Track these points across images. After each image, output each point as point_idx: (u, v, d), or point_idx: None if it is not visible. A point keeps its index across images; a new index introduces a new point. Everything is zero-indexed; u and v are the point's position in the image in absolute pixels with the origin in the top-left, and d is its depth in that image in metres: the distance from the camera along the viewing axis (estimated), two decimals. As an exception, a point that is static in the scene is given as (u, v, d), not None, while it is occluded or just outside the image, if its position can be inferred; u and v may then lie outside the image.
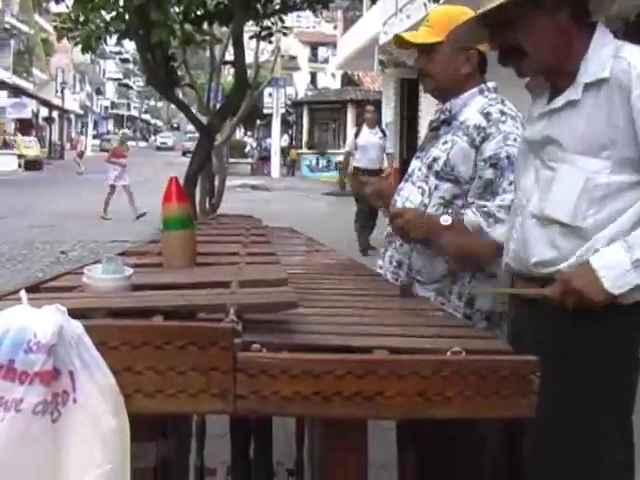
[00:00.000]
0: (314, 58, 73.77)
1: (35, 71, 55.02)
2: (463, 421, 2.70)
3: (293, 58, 67.34)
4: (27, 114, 51.10)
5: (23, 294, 1.65)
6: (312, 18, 75.26)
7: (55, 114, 61.00)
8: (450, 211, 2.93)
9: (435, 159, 3.01)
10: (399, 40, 3.21)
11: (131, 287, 1.94)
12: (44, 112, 58.28)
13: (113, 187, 19.60)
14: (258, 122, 58.24)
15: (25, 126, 52.01)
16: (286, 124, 48.97)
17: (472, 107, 3.01)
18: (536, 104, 2.47)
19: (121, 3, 6.01)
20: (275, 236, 3.78)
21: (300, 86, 65.01)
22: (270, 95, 40.84)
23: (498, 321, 2.88)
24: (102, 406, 1.55)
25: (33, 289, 1.94)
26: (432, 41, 3.02)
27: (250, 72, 15.79)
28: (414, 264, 3.00)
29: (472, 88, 3.05)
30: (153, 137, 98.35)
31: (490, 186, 2.86)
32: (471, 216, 2.86)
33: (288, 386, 1.58)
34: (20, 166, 39.45)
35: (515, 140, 2.81)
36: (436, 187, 2.97)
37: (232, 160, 38.59)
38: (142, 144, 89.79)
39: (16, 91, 49.87)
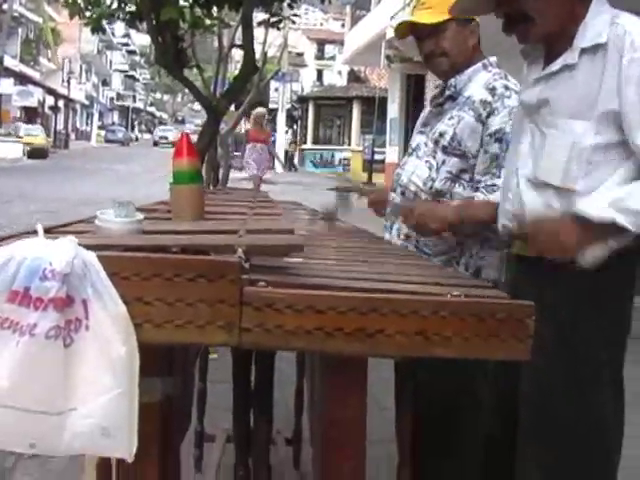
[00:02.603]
0: (321, 55, 73.81)
1: (42, 60, 55.15)
2: (461, 382, 2.79)
3: (300, 55, 67.40)
4: (33, 102, 51.24)
5: (39, 227, 1.71)
6: (320, 15, 75.38)
7: (61, 103, 61.12)
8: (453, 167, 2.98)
9: (442, 134, 3.06)
10: (402, 28, 3.21)
11: (142, 232, 1.99)
12: (50, 101, 58.40)
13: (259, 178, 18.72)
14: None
15: (31, 114, 52.13)
16: (291, 119, 49.06)
17: (477, 82, 3.06)
18: (531, 69, 2.55)
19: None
20: (281, 206, 3.84)
21: (306, 83, 65.02)
22: (276, 90, 40.97)
23: (503, 290, 2.94)
24: (113, 334, 1.60)
25: (46, 231, 1.99)
26: (438, 21, 3.02)
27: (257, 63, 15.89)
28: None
29: (477, 62, 3.10)
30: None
31: (495, 160, 2.92)
32: (481, 197, 2.91)
33: (292, 320, 1.63)
34: (25, 154, 39.40)
35: None
36: (443, 162, 3.02)
37: (237, 153, 38.67)
38: (147, 136, 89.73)
39: (22, 79, 50.00)
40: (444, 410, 2.92)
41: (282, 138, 41.13)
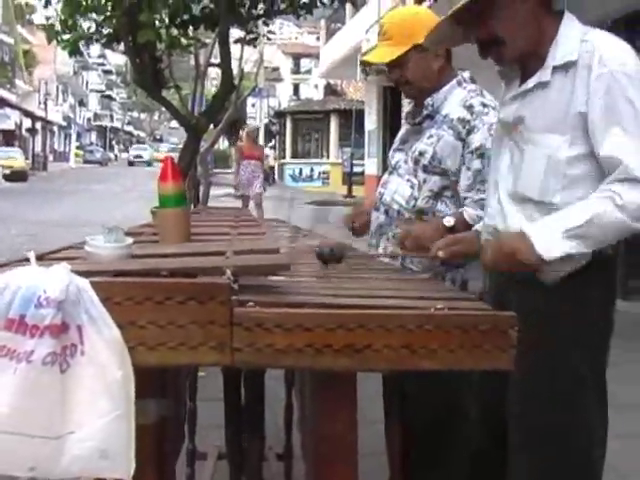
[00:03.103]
0: (297, 69, 73.96)
1: (18, 82, 55.01)
2: (447, 394, 2.84)
3: (276, 69, 67.52)
4: (10, 125, 51.11)
5: (32, 256, 1.75)
6: (295, 29, 75.61)
7: (38, 125, 60.92)
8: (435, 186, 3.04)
9: (421, 153, 3.12)
10: (366, 64, 3.35)
11: (131, 256, 2.04)
12: (27, 123, 58.20)
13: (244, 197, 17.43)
14: (241, 132, 58.35)
15: (8, 137, 51.96)
16: (270, 134, 49.09)
17: (453, 100, 3.13)
18: (509, 89, 2.62)
19: (109, 7, 6.13)
20: (265, 225, 3.89)
21: (283, 97, 65.15)
22: (253, 105, 41.03)
23: (488, 301, 2.99)
24: (108, 358, 1.65)
25: (38, 258, 2.03)
26: (397, 55, 3.11)
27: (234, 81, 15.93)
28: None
29: (448, 79, 3.17)
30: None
31: (479, 175, 2.98)
32: (470, 211, 2.97)
33: (282, 339, 1.68)
34: (2, 177, 39.27)
35: None
36: (425, 180, 3.08)
37: (216, 170, 38.66)
38: (124, 155, 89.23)
39: (-1, 102, 49.88)
40: (431, 423, 2.97)
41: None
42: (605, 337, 2.52)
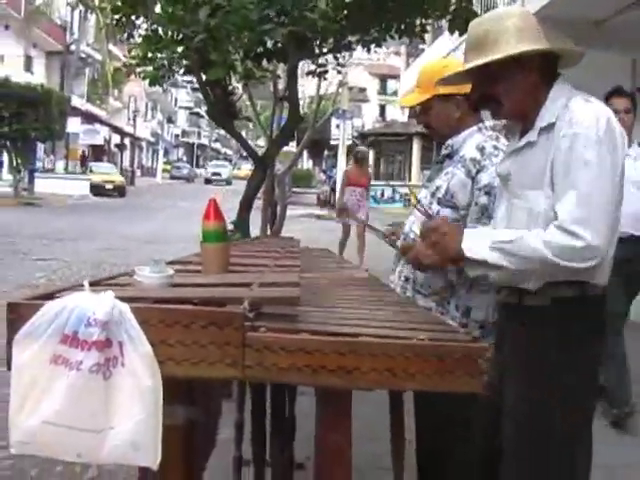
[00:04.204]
0: (383, 90, 74.38)
1: (109, 98, 56.49)
2: (455, 409, 3.14)
3: (362, 90, 67.86)
4: (99, 140, 52.60)
5: (86, 283, 2.16)
6: (381, 51, 76.02)
7: (127, 141, 62.42)
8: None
9: (438, 188, 3.50)
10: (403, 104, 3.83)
11: (172, 284, 2.43)
12: (116, 139, 59.72)
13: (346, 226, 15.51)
14: (326, 153, 58.87)
15: (97, 152, 53.47)
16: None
17: (471, 143, 3.50)
18: (510, 144, 2.96)
19: (182, 44, 6.55)
20: (308, 255, 4.28)
21: (369, 118, 65.49)
22: (337, 127, 41.41)
23: (491, 330, 3.31)
24: (142, 370, 2.03)
25: (95, 284, 2.43)
26: (421, 100, 3.58)
27: (313, 105, 16.32)
28: (418, 278, 3.47)
29: (468, 127, 3.53)
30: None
31: (485, 211, 3.33)
32: None
33: (285, 359, 2.04)
34: (99, 192, 40.61)
35: None
36: (438, 212, 3.43)
37: (298, 190, 39.19)
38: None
39: (89, 118, 51.35)
40: (439, 433, 3.30)
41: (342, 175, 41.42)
42: (590, 371, 2.80)
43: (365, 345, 2.07)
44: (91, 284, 2.24)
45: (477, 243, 2.70)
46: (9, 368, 2.06)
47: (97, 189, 41.80)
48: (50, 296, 2.16)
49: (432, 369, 2.08)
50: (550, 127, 2.69)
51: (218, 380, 2.47)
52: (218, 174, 71.21)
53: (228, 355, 2.05)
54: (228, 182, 66.58)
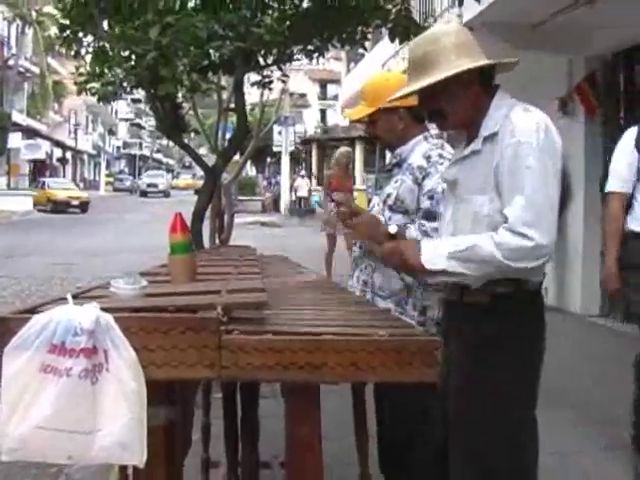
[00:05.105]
0: (323, 95, 74.52)
1: (49, 112, 55.97)
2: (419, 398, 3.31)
3: (303, 95, 67.93)
4: (41, 155, 51.98)
5: (69, 297, 2.32)
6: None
7: (69, 155, 61.83)
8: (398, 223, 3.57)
9: (388, 195, 3.71)
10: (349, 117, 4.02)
11: (146, 294, 2.60)
12: (58, 153, 59.13)
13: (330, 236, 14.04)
14: (269, 160, 58.88)
15: (39, 167, 52.89)
16: (296, 161, 49.65)
17: (417, 152, 3.72)
18: (456, 151, 3.16)
19: (133, 61, 6.66)
20: (265, 261, 4.47)
21: (310, 123, 65.61)
22: (280, 133, 41.45)
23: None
24: (127, 374, 2.20)
25: (74, 297, 2.59)
26: (366, 113, 3.81)
27: (257, 112, 16.40)
28: (375, 282, 3.68)
29: (414, 137, 3.74)
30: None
31: (428, 213, 3.55)
32: (412, 232, 3.49)
33: (258, 359, 2.23)
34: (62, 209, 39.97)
35: None
36: (390, 218, 3.64)
37: (243, 198, 39.16)
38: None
39: (30, 133, 50.81)
40: (403, 424, 3.50)
41: (286, 181, 41.59)
42: (530, 365, 2.95)
43: (330, 342, 2.26)
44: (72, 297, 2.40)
45: (434, 254, 2.86)
46: (-2, 380, 2.20)
47: (61, 206, 40.62)
48: (35, 310, 2.32)
49: (392, 362, 2.28)
50: (493, 136, 2.87)
51: (197, 381, 2.63)
52: (154, 185, 65.24)
53: (206, 357, 2.23)
54: (166, 194, 62.43)
